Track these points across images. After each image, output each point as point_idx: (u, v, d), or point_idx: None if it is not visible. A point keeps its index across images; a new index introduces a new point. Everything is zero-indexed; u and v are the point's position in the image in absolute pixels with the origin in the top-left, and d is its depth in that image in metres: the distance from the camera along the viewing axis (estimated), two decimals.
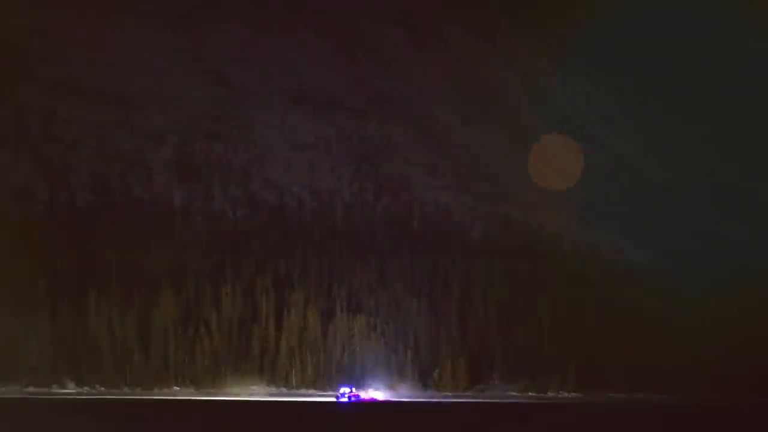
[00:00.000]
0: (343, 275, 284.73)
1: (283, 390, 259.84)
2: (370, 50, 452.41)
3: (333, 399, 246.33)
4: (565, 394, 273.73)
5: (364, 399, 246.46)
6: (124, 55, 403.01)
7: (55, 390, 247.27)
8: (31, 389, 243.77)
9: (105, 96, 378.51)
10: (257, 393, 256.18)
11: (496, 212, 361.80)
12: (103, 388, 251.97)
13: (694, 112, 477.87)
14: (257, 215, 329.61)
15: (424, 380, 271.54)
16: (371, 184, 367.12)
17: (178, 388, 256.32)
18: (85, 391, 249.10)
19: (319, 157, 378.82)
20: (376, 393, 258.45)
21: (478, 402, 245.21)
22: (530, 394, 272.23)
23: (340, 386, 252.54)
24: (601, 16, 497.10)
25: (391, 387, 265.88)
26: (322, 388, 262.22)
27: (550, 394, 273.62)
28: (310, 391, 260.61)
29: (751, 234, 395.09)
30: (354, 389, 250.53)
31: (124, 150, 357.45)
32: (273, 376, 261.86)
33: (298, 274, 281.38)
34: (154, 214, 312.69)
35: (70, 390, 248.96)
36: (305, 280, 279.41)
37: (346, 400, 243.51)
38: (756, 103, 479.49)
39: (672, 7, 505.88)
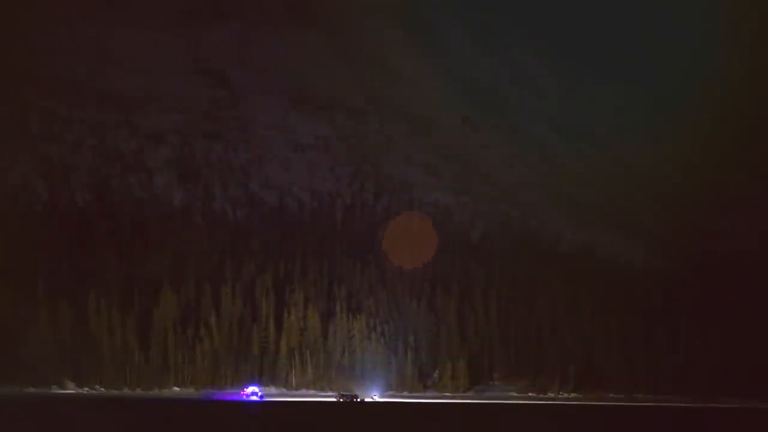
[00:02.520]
0: (343, 275, 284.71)
1: (283, 390, 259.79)
2: (370, 51, 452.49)
3: (333, 399, 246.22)
4: (565, 395, 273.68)
5: (265, 399, 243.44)
6: (124, 55, 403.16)
7: (55, 390, 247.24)
8: (31, 389, 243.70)
9: (105, 96, 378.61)
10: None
11: (496, 212, 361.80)
12: (103, 389, 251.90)
13: (694, 113, 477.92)
14: (257, 215, 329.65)
15: (424, 380, 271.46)
16: (371, 184, 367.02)
17: (178, 389, 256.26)
18: (85, 391, 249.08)
19: (319, 158, 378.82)
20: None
21: (478, 402, 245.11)
22: (530, 394, 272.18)
23: (248, 385, 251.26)
24: (601, 17, 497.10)
25: (391, 387, 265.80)
26: (322, 389, 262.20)
27: (550, 394, 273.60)
28: (311, 391, 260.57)
29: (751, 234, 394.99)
30: (259, 390, 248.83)
31: (124, 150, 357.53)
32: (273, 376, 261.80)
33: (298, 275, 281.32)
34: (154, 214, 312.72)
35: (70, 390, 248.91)
36: (305, 280, 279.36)
37: (256, 398, 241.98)
38: (755, 103, 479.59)
39: (671, 8, 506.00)
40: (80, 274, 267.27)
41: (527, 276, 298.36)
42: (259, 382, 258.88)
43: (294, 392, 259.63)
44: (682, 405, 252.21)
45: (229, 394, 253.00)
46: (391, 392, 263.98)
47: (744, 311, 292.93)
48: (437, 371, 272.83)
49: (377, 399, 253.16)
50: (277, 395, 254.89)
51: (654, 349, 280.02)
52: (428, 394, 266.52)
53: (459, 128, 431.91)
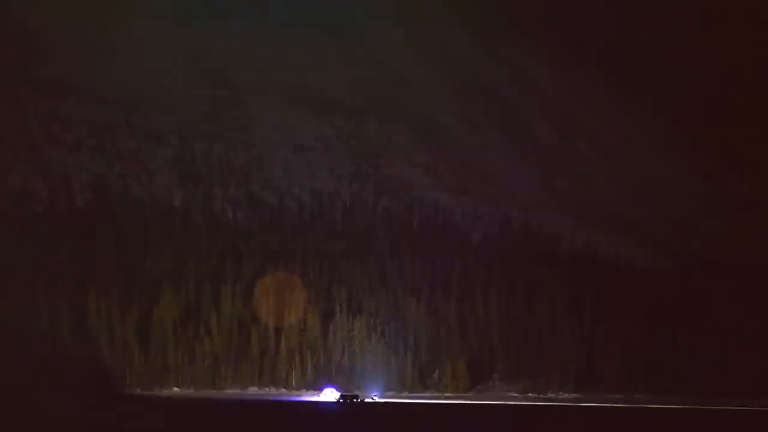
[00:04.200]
0: (343, 276, 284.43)
1: (283, 390, 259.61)
2: (370, 50, 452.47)
3: (333, 399, 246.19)
4: (565, 395, 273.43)
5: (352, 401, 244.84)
6: (124, 55, 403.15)
7: None
8: None
9: (105, 96, 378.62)
10: (257, 393, 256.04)
11: (496, 213, 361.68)
12: None
13: (694, 112, 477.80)
14: (257, 216, 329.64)
15: (424, 381, 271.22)
16: (371, 184, 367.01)
17: (178, 389, 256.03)
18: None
19: (319, 158, 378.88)
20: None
21: (478, 403, 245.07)
22: (530, 395, 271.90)
23: (325, 386, 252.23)
24: (601, 16, 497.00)
25: (391, 387, 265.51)
26: (322, 389, 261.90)
27: (550, 395, 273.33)
28: (310, 392, 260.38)
29: (751, 233, 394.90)
30: (336, 390, 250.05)
31: (124, 150, 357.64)
32: (273, 376, 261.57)
33: (298, 275, 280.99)
34: (154, 214, 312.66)
35: None
36: (305, 280, 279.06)
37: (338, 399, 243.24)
38: (756, 102, 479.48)
39: (671, 7, 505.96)
40: (80, 274, 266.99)
41: (527, 276, 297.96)
42: (259, 383, 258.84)
43: (294, 392, 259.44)
44: (682, 406, 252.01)
45: (305, 394, 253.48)
46: (391, 392, 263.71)
47: (744, 311, 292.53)
48: (437, 371, 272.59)
49: (377, 399, 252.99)
50: (277, 395, 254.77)
51: (654, 349, 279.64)
52: (428, 394, 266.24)
53: (459, 128, 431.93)
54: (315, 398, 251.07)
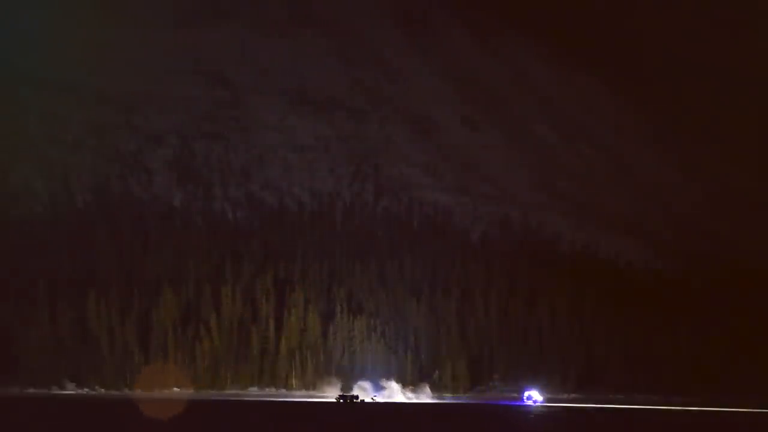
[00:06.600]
0: (343, 276, 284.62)
1: (283, 390, 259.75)
2: (370, 51, 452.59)
3: (333, 399, 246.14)
4: (565, 395, 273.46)
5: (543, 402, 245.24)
6: (125, 55, 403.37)
7: (55, 390, 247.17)
8: (31, 389, 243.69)
9: (105, 96, 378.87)
10: (257, 393, 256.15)
11: (496, 212, 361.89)
12: (102, 389, 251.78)
13: (694, 112, 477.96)
14: (257, 216, 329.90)
15: (424, 380, 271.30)
16: (371, 184, 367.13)
17: (178, 389, 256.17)
18: (85, 392, 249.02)
19: (319, 158, 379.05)
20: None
21: (479, 403, 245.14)
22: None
23: (527, 389, 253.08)
24: (601, 16, 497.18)
25: (391, 388, 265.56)
26: (322, 389, 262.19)
27: (550, 395, 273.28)
28: (310, 392, 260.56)
29: (751, 233, 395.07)
30: (538, 392, 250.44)
31: (124, 150, 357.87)
32: (273, 376, 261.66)
33: (298, 275, 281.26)
34: (154, 214, 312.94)
35: (70, 390, 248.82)
36: (305, 280, 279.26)
37: (532, 403, 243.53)
38: (755, 102, 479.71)
39: (671, 7, 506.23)
40: (80, 274, 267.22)
41: (527, 276, 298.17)
42: (259, 383, 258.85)
43: (294, 392, 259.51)
44: (683, 406, 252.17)
45: (509, 399, 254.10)
46: (391, 393, 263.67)
47: (745, 312, 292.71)
48: (437, 371, 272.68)
49: (377, 399, 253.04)
50: (277, 395, 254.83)
51: (654, 349, 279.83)
52: (428, 394, 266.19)
53: (459, 128, 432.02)
54: (315, 399, 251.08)
